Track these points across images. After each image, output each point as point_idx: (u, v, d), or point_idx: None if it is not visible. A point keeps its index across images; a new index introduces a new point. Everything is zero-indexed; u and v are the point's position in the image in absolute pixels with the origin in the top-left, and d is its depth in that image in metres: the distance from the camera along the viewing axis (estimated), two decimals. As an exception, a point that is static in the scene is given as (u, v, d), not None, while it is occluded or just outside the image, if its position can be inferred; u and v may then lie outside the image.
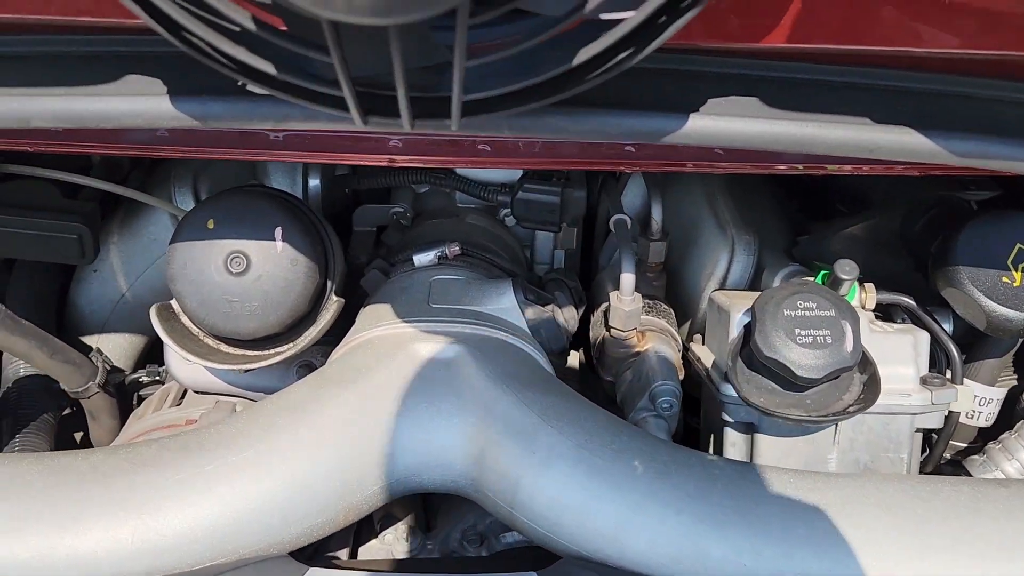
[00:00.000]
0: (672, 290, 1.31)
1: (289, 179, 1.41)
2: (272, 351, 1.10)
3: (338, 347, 1.09)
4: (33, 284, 1.36)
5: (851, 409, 0.95)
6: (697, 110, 0.71)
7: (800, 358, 0.93)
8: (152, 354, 1.50)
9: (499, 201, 1.23)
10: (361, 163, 0.96)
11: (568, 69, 0.57)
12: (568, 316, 1.14)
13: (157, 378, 1.37)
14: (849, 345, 0.93)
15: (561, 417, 0.96)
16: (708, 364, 1.12)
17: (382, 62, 0.58)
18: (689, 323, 1.30)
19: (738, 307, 1.05)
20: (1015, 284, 0.97)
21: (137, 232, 1.35)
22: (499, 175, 1.27)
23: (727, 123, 0.69)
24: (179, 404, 1.19)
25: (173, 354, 1.14)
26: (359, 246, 1.32)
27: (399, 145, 0.96)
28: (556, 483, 0.92)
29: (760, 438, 1.03)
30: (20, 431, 1.18)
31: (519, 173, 1.27)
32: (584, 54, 0.54)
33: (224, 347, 1.10)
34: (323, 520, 0.95)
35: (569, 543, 0.91)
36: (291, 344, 1.11)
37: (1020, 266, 0.98)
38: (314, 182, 1.40)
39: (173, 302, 1.09)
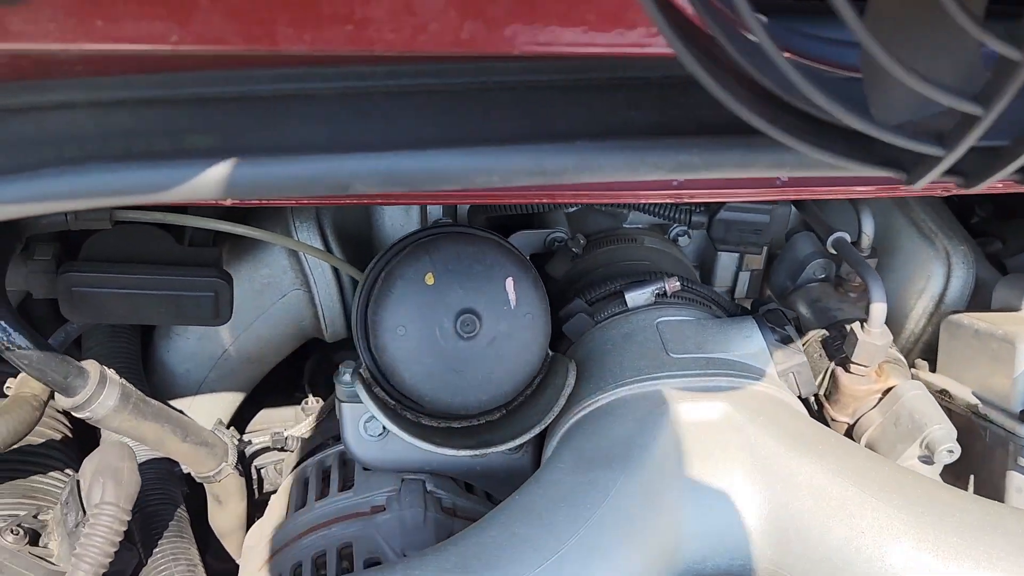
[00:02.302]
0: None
1: (403, 208, 1.22)
2: (483, 422, 0.93)
3: (567, 408, 0.92)
4: (116, 343, 1.14)
5: None
6: None
7: None
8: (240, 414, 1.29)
9: (694, 222, 1.08)
10: (643, 200, 0.80)
11: None
12: (799, 353, 1.01)
13: (279, 446, 1.17)
14: None
15: (881, 486, 0.83)
16: (964, 397, 1.01)
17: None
18: (886, 344, 1.17)
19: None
20: None
21: (248, 277, 1.13)
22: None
23: None
24: (350, 487, 0.99)
25: (352, 428, 0.95)
26: (518, 279, 1.14)
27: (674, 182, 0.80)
28: (902, 567, 0.78)
29: (1066, 485, 0.93)
30: (159, 535, 0.96)
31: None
32: None
33: (424, 419, 0.92)
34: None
35: (924, 636, 0.78)
36: (502, 410, 0.93)
37: None
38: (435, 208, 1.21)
39: (363, 369, 0.90)
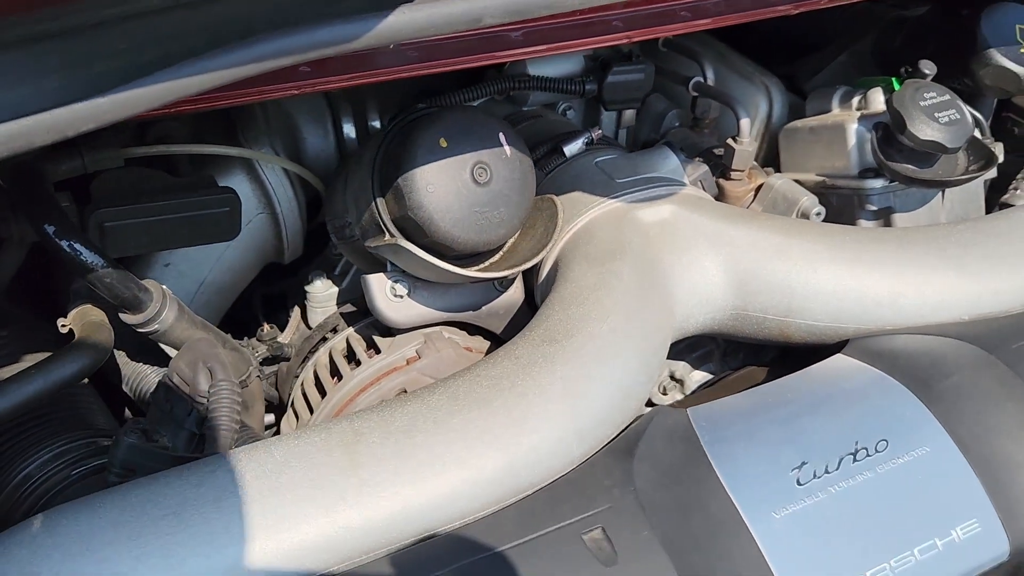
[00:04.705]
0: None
1: (321, 128, 1.37)
2: (488, 263, 1.12)
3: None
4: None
5: (972, 169, 1.22)
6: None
7: (946, 135, 1.18)
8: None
9: (588, 90, 1.32)
10: (591, 46, 1.02)
11: None
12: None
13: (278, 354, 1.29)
14: (969, 118, 1.20)
15: (798, 231, 1.13)
16: (812, 179, 1.34)
17: None
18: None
19: (850, 120, 1.27)
20: (1031, 53, 1.30)
21: (216, 206, 1.24)
22: (557, 70, 1.36)
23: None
24: (377, 354, 1.15)
25: (380, 295, 1.11)
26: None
27: (620, 25, 1.04)
28: (828, 279, 1.08)
29: (898, 216, 1.28)
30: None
31: (570, 67, 1.38)
32: None
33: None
34: (649, 389, 1.03)
35: (853, 322, 1.08)
36: (499, 251, 1.13)
37: (1027, 40, 1.31)
38: (347, 127, 1.38)
39: (388, 237, 1.06)
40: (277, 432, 1.29)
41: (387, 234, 1.06)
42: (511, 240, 1.14)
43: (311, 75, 0.90)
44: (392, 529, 0.79)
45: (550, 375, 0.90)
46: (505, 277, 1.10)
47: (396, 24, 0.71)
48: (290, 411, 1.21)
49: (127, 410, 1.28)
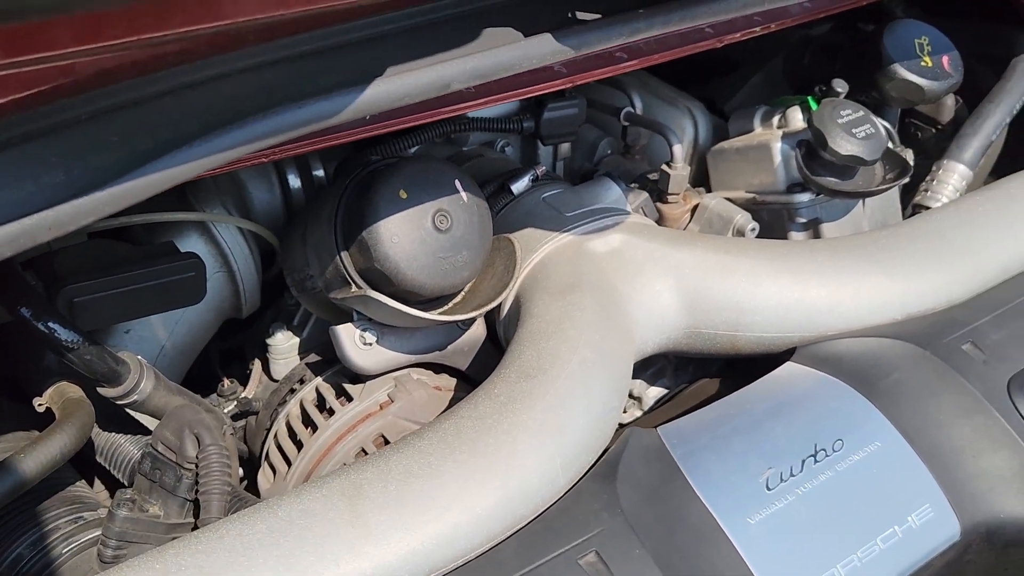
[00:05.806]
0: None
1: (267, 182, 1.39)
2: (451, 304, 1.17)
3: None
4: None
5: (889, 178, 1.32)
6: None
7: (864, 149, 1.27)
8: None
9: (526, 127, 1.37)
10: (538, 93, 1.07)
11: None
12: (632, 198, 1.36)
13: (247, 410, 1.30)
14: (883, 131, 1.30)
15: (739, 248, 1.20)
16: (742, 197, 1.42)
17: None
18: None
19: (774, 139, 1.36)
20: (930, 66, 1.41)
21: (173, 270, 1.24)
22: (495, 110, 1.41)
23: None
24: (349, 401, 1.18)
25: (349, 344, 1.14)
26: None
27: (564, 71, 1.10)
28: (772, 292, 1.16)
29: (825, 227, 1.37)
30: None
31: (507, 107, 1.43)
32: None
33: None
34: (619, 412, 1.08)
35: (798, 331, 1.16)
36: (461, 292, 1.18)
37: (925, 54, 1.41)
38: (292, 179, 1.40)
39: (354, 288, 1.09)
40: (249, 486, 1.30)
41: (354, 286, 1.09)
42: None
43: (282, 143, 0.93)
44: (400, 574, 0.82)
45: (530, 410, 0.95)
46: (472, 319, 1.14)
47: (374, 96, 0.75)
48: (265, 465, 1.23)
49: (96, 478, 1.27)
